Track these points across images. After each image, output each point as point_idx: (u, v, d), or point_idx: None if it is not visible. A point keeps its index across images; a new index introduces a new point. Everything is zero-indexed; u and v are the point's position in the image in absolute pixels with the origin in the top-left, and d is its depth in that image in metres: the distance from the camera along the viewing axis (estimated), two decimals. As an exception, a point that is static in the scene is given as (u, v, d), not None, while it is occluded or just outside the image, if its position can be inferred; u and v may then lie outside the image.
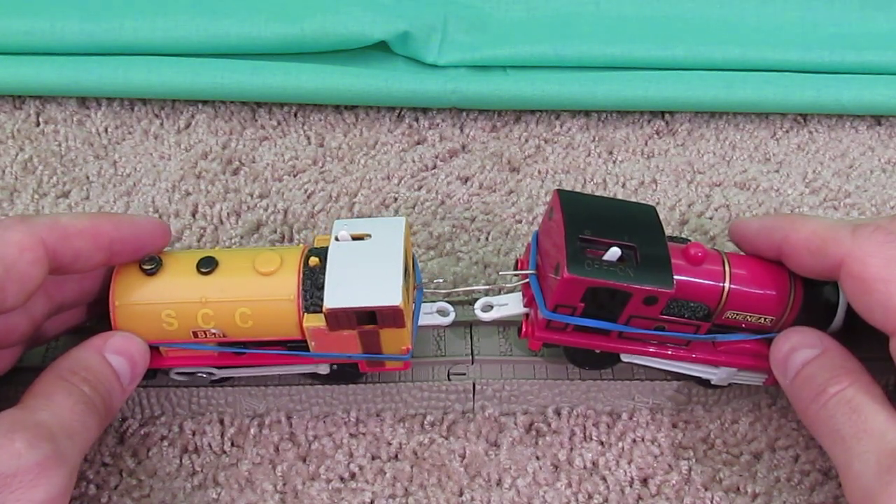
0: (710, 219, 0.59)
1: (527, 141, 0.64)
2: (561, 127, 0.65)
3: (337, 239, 0.42)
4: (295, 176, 0.62)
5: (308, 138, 0.64)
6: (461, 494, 0.46)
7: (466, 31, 0.66)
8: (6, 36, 0.63)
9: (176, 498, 0.46)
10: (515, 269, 0.48)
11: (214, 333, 0.43)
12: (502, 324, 0.50)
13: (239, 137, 0.64)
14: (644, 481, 0.47)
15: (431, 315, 0.47)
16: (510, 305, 0.46)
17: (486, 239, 0.58)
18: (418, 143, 0.64)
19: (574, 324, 0.43)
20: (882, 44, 0.66)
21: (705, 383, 0.48)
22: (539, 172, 0.62)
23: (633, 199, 0.60)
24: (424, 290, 0.48)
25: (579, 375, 0.49)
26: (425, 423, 0.49)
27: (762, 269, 0.44)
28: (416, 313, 0.46)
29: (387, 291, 0.40)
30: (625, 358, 0.47)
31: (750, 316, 0.44)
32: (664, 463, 0.47)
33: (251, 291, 0.42)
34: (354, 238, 0.43)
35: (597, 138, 0.65)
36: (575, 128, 0.65)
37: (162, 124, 0.65)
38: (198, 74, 0.62)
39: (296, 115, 0.66)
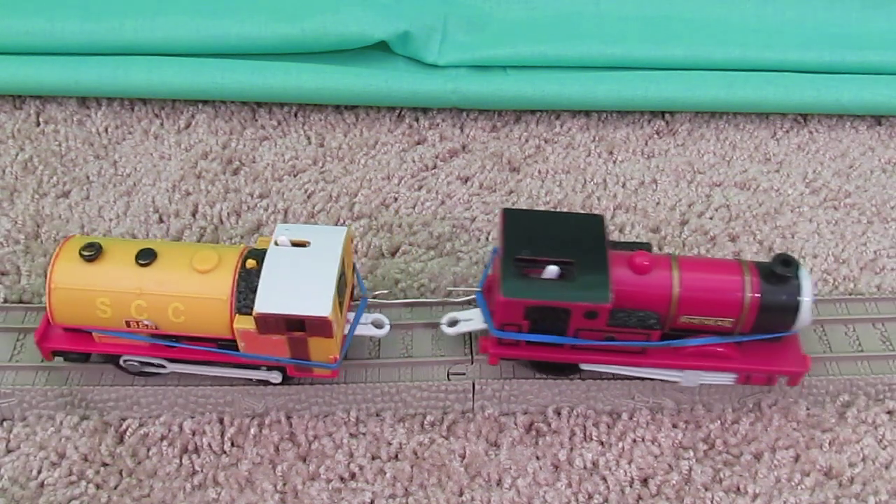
0: (711, 219, 0.59)
1: (527, 141, 0.64)
2: (561, 127, 0.65)
3: (276, 243, 0.43)
4: (295, 176, 0.61)
5: (308, 138, 0.64)
6: (461, 494, 0.46)
7: (466, 31, 0.66)
8: (6, 36, 0.63)
9: (176, 498, 0.46)
10: None
11: (147, 325, 0.43)
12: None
13: (239, 137, 0.64)
14: (644, 481, 0.47)
15: (367, 326, 0.47)
16: (474, 321, 0.47)
17: (486, 239, 0.58)
18: (418, 143, 0.64)
19: (524, 339, 0.44)
20: (882, 44, 0.66)
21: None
22: (539, 172, 0.62)
23: (633, 199, 0.60)
24: (369, 300, 0.48)
25: (579, 375, 0.49)
26: (425, 423, 0.48)
27: (713, 272, 0.44)
28: (355, 323, 0.46)
29: (318, 302, 0.40)
30: (584, 366, 0.47)
31: (707, 319, 0.44)
32: (664, 463, 0.47)
33: (186, 287, 0.42)
34: (294, 244, 0.43)
35: (597, 138, 0.65)
36: (575, 128, 0.65)
37: (162, 124, 0.65)
38: (198, 74, 0.62)
39: (296, 115, 0.66)
